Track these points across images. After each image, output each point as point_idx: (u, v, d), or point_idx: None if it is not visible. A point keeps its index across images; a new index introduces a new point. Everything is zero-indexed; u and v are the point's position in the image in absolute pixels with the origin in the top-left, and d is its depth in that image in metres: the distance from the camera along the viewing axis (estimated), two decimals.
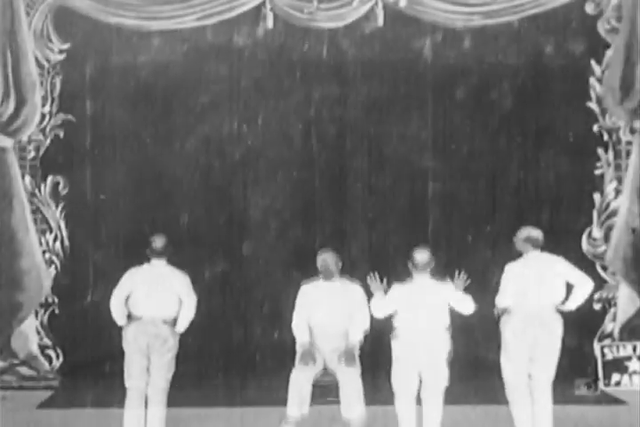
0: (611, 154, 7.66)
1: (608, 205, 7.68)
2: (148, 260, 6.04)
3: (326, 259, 6.16)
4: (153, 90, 7.63)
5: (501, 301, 5.98)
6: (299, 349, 6.07)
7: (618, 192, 7.65)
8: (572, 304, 5.87)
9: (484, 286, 7.61)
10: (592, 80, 7.66)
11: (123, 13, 7.40)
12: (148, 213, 7.66)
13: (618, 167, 7.66)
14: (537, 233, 5.97)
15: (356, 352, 6.05)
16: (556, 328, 5.85)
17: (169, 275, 6.01)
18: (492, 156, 7.79)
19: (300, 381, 5.88)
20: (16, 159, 7.52)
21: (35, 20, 7.46)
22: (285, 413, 5.91)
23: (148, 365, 5.94)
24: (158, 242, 6.01)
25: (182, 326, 6.01)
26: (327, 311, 6.04)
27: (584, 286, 5.88)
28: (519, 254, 6.02)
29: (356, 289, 6.17)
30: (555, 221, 7.66)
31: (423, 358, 5.78)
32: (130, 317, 6.00)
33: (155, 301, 5.92)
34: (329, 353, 6.02)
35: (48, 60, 7.56)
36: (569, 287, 5.90)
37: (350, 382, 5.89)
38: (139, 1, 7.41)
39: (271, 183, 7.79)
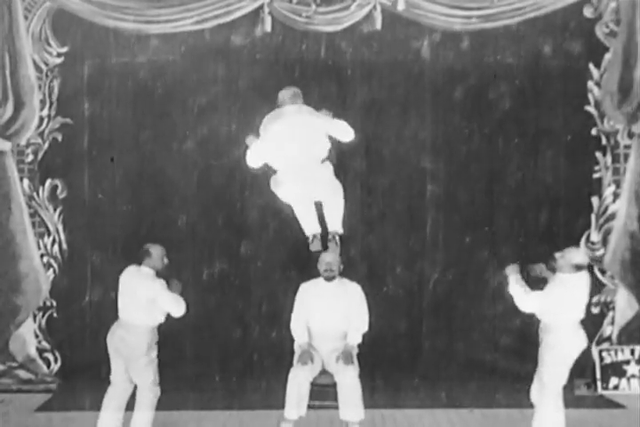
0: (609, 157, 7.65)
1: (606, 208, 7.67)
2: (139, 264, 5.95)
3: (329, 260, 6.15)
4: (151, 93, 7.61)
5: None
6: (297, 349, 6.06)
7: (616, 196, 7.63)
8: None
9: (482, 288, 7.68)
10: (590, 84, 7.64)
11: (121, 17, 7.38)
12: (147, 216, 7.66)
13: (616, 171, 7.65)
14: (587, 260, 5.82)
15: (355, 353, 6.04)
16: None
17: (142, 280, 5.82)
18: (490, 158, 7.78)
19: (299, 380, 5.86)
20: (14, 163, 7.49)
21: (33, 23, 7.44)
22: (283, 414, 5.91)
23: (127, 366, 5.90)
24: (148, 247, 5.93)
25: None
26: (326, 312, 6.04)
27: None
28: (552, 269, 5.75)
29: (355, 289, 6.16)
30: (553, 225, 7.67)
31: None
32: None
33: (127, 305, 5.84)
34: (328, 354, 6.01)
35: (46, 64, 7.54)
36: None
37: (349, 383, 5.86)
38: (137, 4, 7.40)
39: (269, 184, 7.77)
